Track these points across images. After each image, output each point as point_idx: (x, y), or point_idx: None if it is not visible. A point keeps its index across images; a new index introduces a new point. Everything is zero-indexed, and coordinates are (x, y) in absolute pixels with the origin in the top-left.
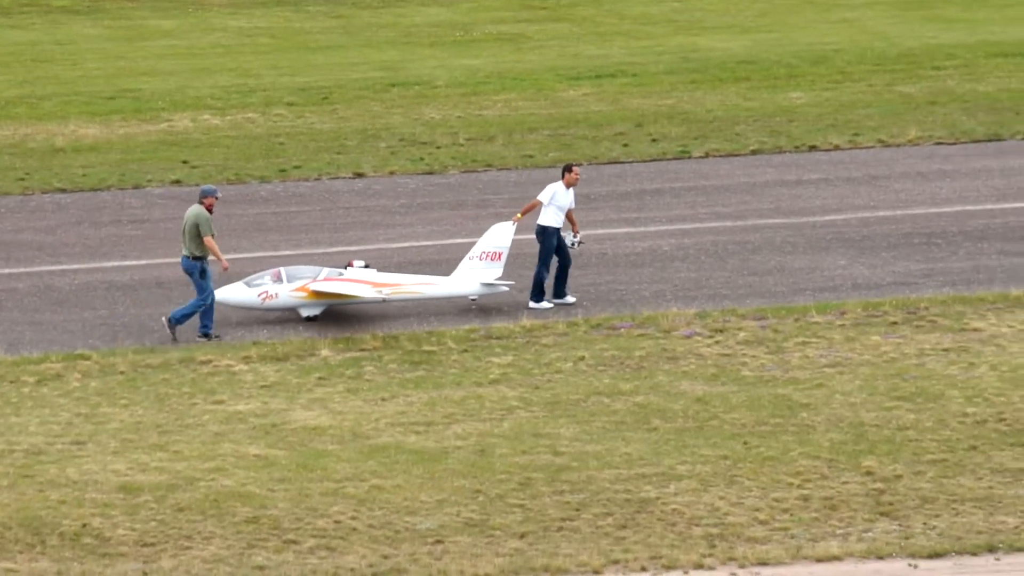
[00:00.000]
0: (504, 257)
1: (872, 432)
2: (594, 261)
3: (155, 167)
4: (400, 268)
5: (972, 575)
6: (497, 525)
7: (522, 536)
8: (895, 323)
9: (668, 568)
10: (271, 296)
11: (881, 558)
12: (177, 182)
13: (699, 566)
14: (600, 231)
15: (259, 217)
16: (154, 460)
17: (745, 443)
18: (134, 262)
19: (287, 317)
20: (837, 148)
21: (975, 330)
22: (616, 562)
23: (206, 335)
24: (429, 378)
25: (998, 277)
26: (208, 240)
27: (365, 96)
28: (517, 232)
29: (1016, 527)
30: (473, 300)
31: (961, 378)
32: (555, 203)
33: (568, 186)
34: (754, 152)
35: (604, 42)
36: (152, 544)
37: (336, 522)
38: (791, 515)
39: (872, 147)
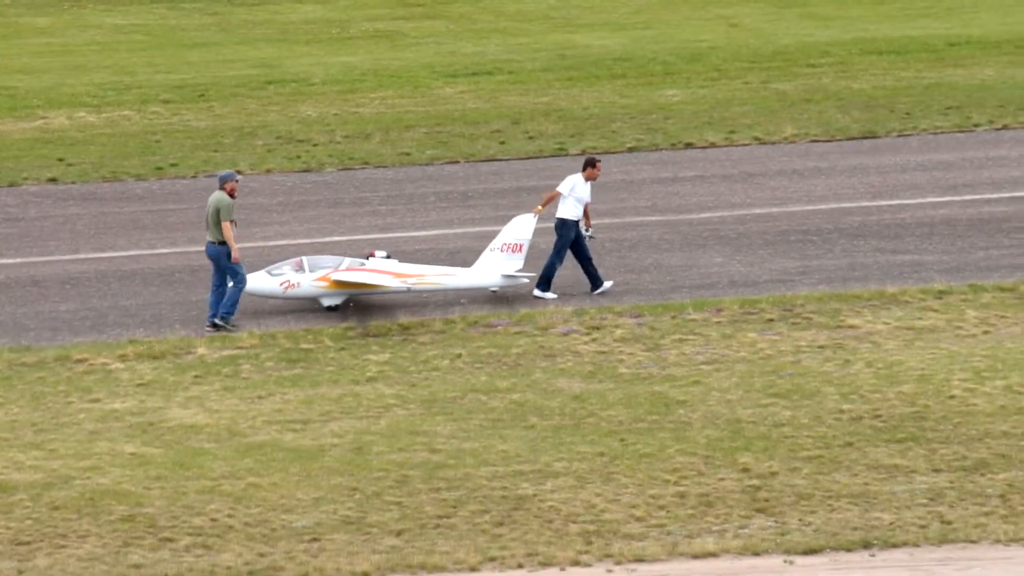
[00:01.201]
0: (525, 249)
1: (748, 429)
2: (472, 259)
3: (30, 165)
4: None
5: (847, 571)
6: (374, 523)
7: (399, 534)
8: (771, 320)
9: (545, 565)
10: (293, 285)
11: (757, 554)
12: (53, 180)
13: (576, 563)
14: (477, 228)
15: (135, 215)
16: (29, 459)
17: (622, 440)
18: (9, 260)
19: (297, 307)
20: (713, 145)
21: (851, 327)
22: (493, 559)
23: (213, 325)
24: (306, 376)
25: (873, 274)
26: (225, 226)
27: (241, 94)
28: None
29: (891, 523)
30: (494, 291)
31: (837, 375)
32: (574, 195)
33: (588, 180)
34: (630, 149)
35: (481, 39)
36: (27, 543)
37: (212, 520)
38: (667, 512)
39: (748, 144)
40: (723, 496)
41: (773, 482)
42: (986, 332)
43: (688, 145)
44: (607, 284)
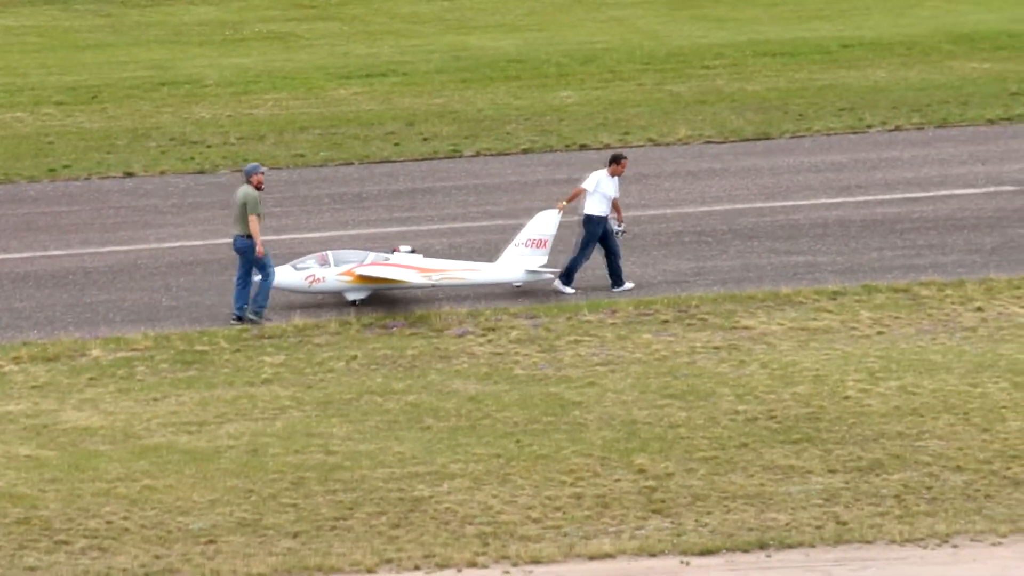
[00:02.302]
0: (549, 245)
1: (644, 430)
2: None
3: None
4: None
5: (743, 572)
6: (270, 525)
7: (295, 535)
8: (666, 321)
9: (441, 567)
10: (318, 280)
11: (653, 555)
12: None
13: (472, 564)
14: (371, 230)
15: (28, 217)
16: None
17: (518, 441)
18: None
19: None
20: (607, 147)
21: (745, 328)
22: (389, 561)
23: (239, 318)
24: (201, 378)
25: (767, 275)
26: (251, 219)
27: (135, 95)
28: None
29: (787, 524)
30: (517, 286)
31: (732, 376)
32: (600, 191)
33: (613, 176)
34: (525, 151)
35: (374, 41)
36: None
37: (108, 522)
38: (564, 513)
39: (642, 146)
40: (619, 497)
41: (669, 483)
42: (880, 333)
43: (582, 146)
44: (628, 285)
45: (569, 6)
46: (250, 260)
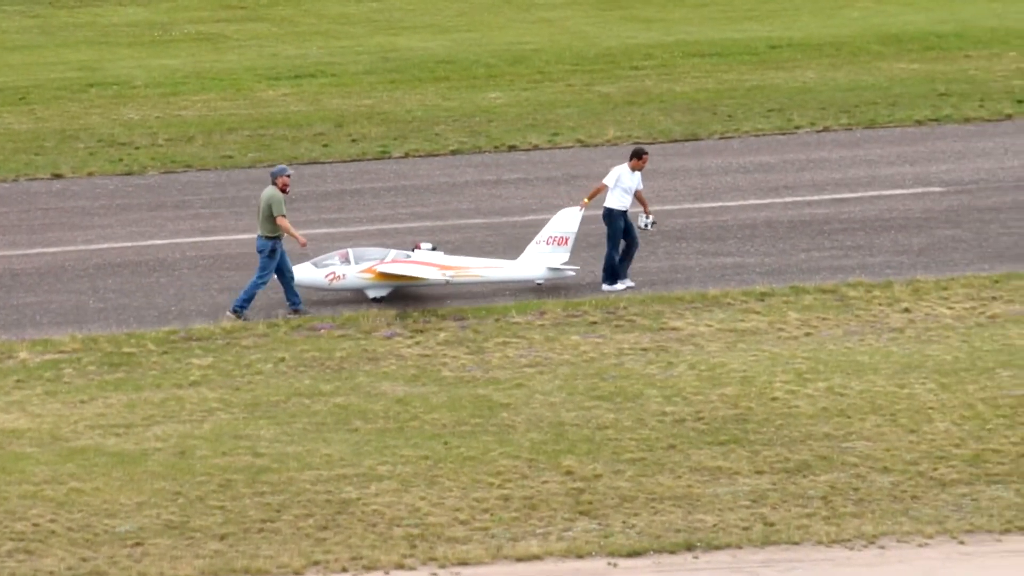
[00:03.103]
0: (571, 242)
1: (572, 432)
2: (295, 262)
3: None
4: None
5: (670, 573)
6: (197, 527)
7: (222, 538)
8: (594, 323)
9: (369, 569)
10: (339, 277)
11: (581, 557)
12: None
13: (400, 566)
14: (300, 231)
15: None
16: None
17: (446, 443)
18: None
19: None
20: (536, 148)
21: (673, 329)
22: (317, 563)
23: (296, 311)
24: (129, 380)
25: (696, 277)
26: (280, 220)
27: (63, 96)
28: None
29: (714, 525)
30: (539, 284)
31: (660, 377)
32: (620, 186)
33: (634, 170)
34: (454, 152)
35: (303, 42)
36: None
37: (35, 525)
38: (491, 515)
39: (571, 147)
40: (547, 499)
41: (596, 484)
42: (807, 334)
43: (511, 147)
44: (620, 285)
45: (498, 7)
46: (264, 258)
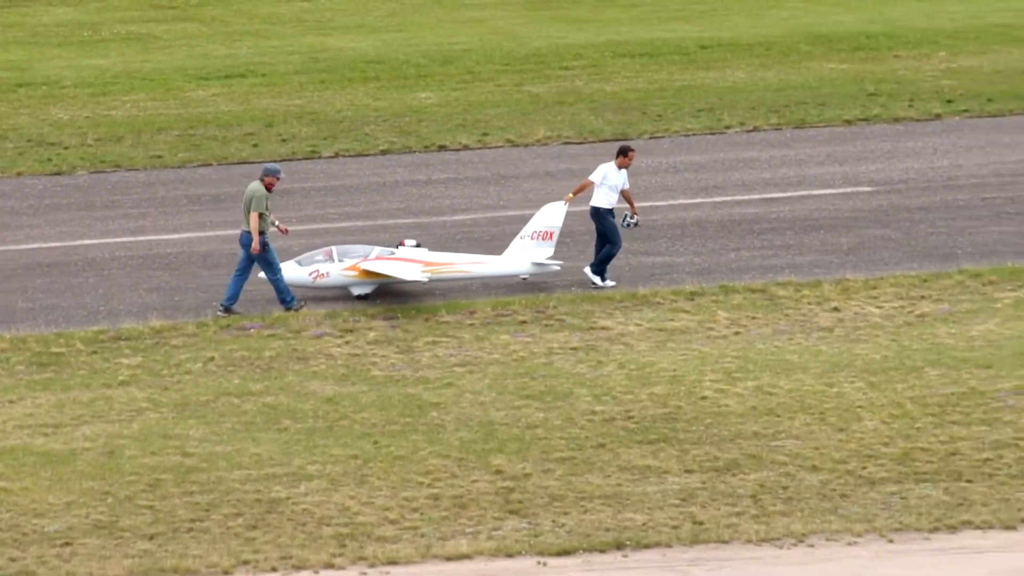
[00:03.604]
0: (555, 237)
1: (501, 431)
2: (224, 262)
3: None
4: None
5: (600, 572)
6: (126, 527)
7: (151, 537)
8: (524, 322)
9: (298, 568)
10: (322, 275)
11: (510, 556)
12: None
13: (329, 566)
14: (230, 231)
15: None
16: None
17: (375, 443)
18: None
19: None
20: (466, 148)
21: (603, 329)
22: (246, 563)
23: (288, 308)
24: (57, 380)
25: (625, 276)
26: (253, 216)
27: None
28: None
29: (643, 524)
30: (524, 279)
31: (589, 376)
32: (607, 183)
33: (621, 167)
34: (384, 152)
35: (233, 42)
36: None
37: None
38: (421, 514)
39: (501, 147)
40: (476, 498)
41: (526, 484)
42: (737, 333)
43: (441, 147)
44: (605, 283)
45: (428, 7)
46: (249, 255)
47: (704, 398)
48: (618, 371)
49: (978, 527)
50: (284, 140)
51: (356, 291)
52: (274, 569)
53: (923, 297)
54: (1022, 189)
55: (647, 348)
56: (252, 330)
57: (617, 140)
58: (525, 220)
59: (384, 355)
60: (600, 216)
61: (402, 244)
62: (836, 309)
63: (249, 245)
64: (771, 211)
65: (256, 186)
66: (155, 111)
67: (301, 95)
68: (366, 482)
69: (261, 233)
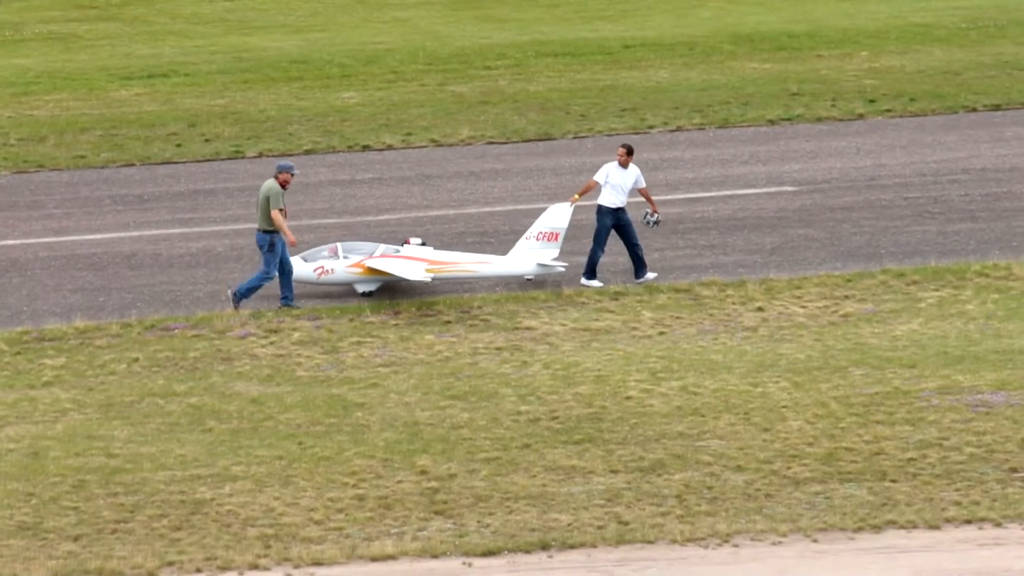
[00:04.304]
0: (561, 238)
1: (427, 431)
2: (148, 262)
3: None
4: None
5: (525, 573)
6: (50, 528)
7: (76, 539)
8: (449, 322)
9: (223, 569)
10: (327, 271)
11: (436, 557)
12: None
13: (254, 567)
14: (154, 232)
15: None
16: None
17: (300, 443)
18: None
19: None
20: (390, 148)
21: (528, 329)
22: (171, 564)
23: (287, 305)
24: None
25: (549, 276)
26: (275, 214)
27: None
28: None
29: (569, 524)
30: (529, 280)
31: (514, 377)
32: (610, 182)
33: (621, 165)
34: (308, 152)
35: (156, 42)
36: None
37: None
38: (346, 515)
39: (425, 147)
40: (402, 499)
41: (451, 484)
42: (661, 333)
43: (365, 147)
44: (650, 275)
45: (351, 7)
46: (266, 253)
47: (629, 398)
48: (543, 371)
49: (902, 527)
50: (208, 140)
51: (361, 288)
52: (199, 570)
53: (847, 297)
54: (945, 189)
55: (572, 348)
56: (176, 331)
57: (541, 140)
58: (451, 220)
59: (309, 355)
60: (599, 215)
61: (407, 242)
62: (760, 309)
63: (264, 246)
64: (695, 211)
65: (272, 184)
66: (78, 111)
67: (224, 95)
68: (291, 483)
69: (271, 232)
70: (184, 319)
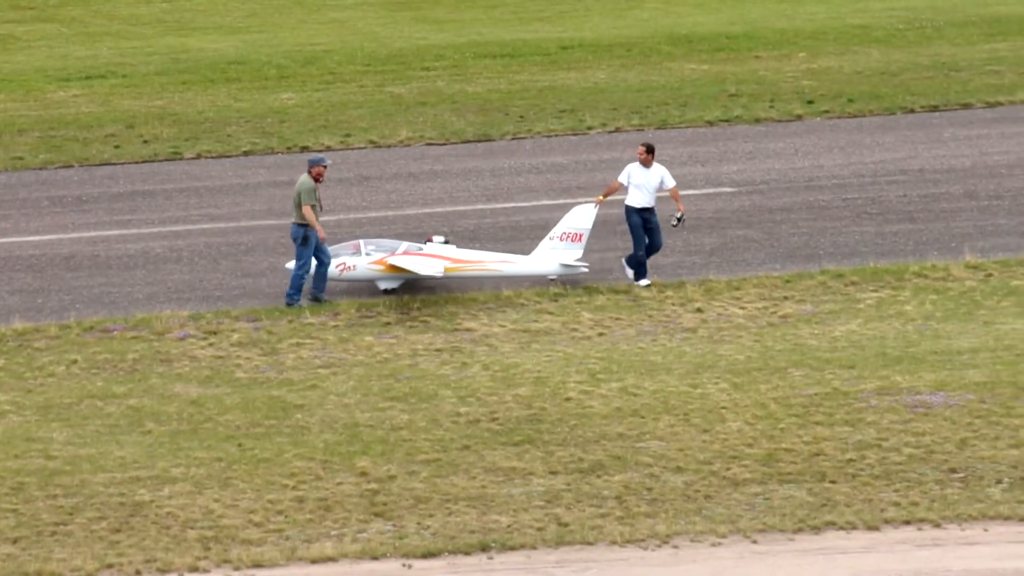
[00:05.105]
0: (585, 239)
1: (366, 433)
2: (86, 264)
3: None
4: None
5: (465, 574)
6: None
7: (15, 541)
8: (388, 324)
9: (162, 571)
10: (349, 268)
11: (376, 558)
12: None
13: (194, 569)
14: (92, 233)
15: None
16: None
17: (240, 445)
18: None
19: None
20: (329, 149)
21: (467, 330)
22: (111, 566)
23: (316, 298)
24: None
25: (488, 278)
26: (306, 210)
27: None
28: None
29: (508, 526)
30: (552, 280)
31: (454, 378)
32: (632, 183)
33: (643, 164)
34: (246, 153)
35: (93, 43)
36: None
37: None
38: (286, 517)
39: (363, 148)
40: (341, 500)
41: (391, 486)
42: (601, 334)
43: (304, 149)
44: (644, 281)
45: (289, 8)
46: (299, 247)
47: (569, 399)
48: (483, 372)
49: (841, 528)
50: (146, 141)
51: (382, 285)
52: (138, 572)
53: (786, 298)
54: (883, 189)
55: (511, 349)
56: (115, 332)
57: (479, 141)
58: (389, 221)
59: (248, 357)
60: (627, 215)
61: (430, 240)
62: (700, 310)
63: (299, 239)
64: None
65: (305, 179)
66: (15, 112)
67: (162, 96)
68: (230, 485)
69: (303, 226)
70: (123, 320)
